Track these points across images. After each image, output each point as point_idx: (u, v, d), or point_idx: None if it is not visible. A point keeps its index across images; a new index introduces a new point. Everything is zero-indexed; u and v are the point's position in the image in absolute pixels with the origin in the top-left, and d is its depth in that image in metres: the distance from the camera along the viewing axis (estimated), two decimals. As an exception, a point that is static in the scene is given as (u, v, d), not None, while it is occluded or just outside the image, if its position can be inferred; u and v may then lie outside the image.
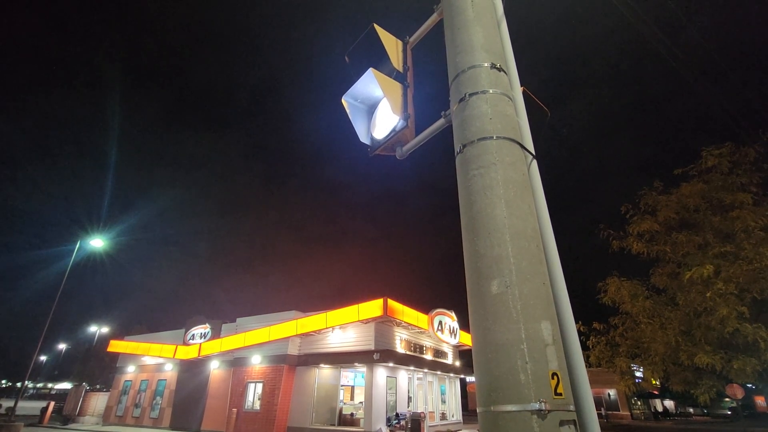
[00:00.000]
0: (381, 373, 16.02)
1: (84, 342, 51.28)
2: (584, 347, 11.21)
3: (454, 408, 22.15)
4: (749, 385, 18.09)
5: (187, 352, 19.99)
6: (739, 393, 15.09)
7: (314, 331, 16.58)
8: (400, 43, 3.18)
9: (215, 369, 19.46)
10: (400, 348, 17.07)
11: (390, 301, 15.18)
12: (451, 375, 21.70)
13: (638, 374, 13.32)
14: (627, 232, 11.39)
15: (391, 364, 15.97)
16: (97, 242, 21.25)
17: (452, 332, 18.25)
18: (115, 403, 23.60)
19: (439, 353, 20.05)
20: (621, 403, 35.62)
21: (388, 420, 15.74)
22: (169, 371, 21.52)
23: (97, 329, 46.54)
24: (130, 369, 23.77)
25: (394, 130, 2.85)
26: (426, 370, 18.90)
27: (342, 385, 17.11)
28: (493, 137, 2.00)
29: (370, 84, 2.95)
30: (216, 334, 20.22)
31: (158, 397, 21.47)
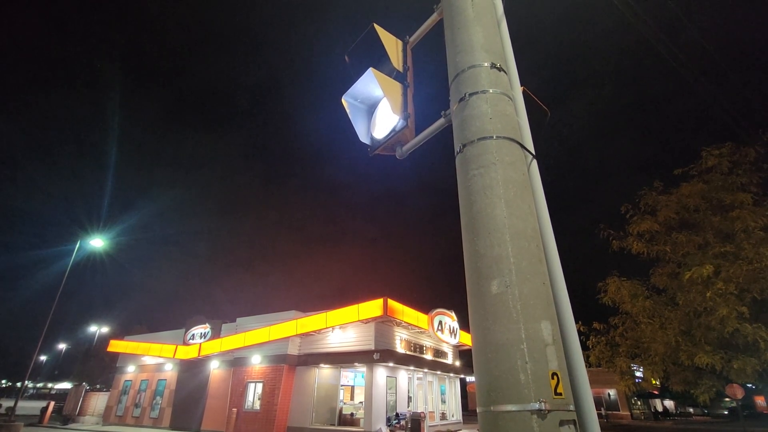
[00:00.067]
0: (381, 373, 16.02)
1: (84, 342, 51.34)
2: (584, 347, 11.21)
3: (454, 408, 22.15)
4: (749, 385, 18.08)
5: (187, 352, 19.99)
6: (739, 393, 15.08)
7: (314, 331, 16.58)
8: (400, 42, 3.18)
9: (215, 369, 19.46)
10: (400, 348, 17.07)
11: (390, 301, 15.18)
12: (451, 375, 21.70)
13: (638, 374, 13.32)
14: (627, 232, 11.38)
15: (391, 364, 15.97)
16: (97, 242, 21.25)
17: (452, 332, 18.25)
18: (115, 403, 23.60)
19: (439, 353, 20.05)
20: (621, 403, 35.62)
21: (388, 420, 15.74)
22: (169, 371, 21.52)
23: (97, 329, 46.56)
24: (130, 369, 23.77)
25: (394, 129, 2.85)
26: (426, 370, 18.90)
27: (342, 385, 17.11)
28: (493, 137, 2.00)
29: (370, 84, 2.95)
30: (216, 334, 20.22)
31: (158, 397, 21.48)
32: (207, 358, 19.67)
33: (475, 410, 1.66)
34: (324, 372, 17.31)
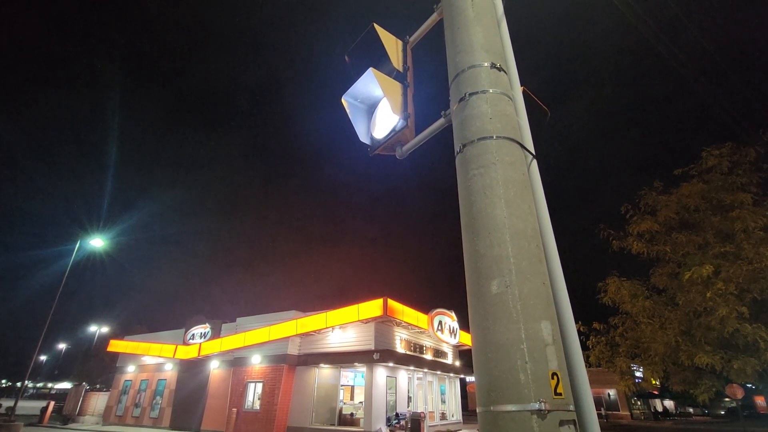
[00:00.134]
0: (381, 372, 16.01)
1: (84, 342, 51.30)
2: (584, 347, 11.20)
3: (453, 408, 22.15)
4: (749, 385, 18.09)
5: (187, 352, 20.00)
6: (739, 393, 15.09)
7: (314, 331, 16.58)
8: (400, 42, 3.18)
9: (215, 369, 19.46)
10: (400, 348, 17.07)
11: (390, 301, 15.18)
12: (451, 375, 21.70)
13: (638, 374, 13.32)
14: (627, 232, 11.37)
15: (391, 364, 15.97)
16: (97, 242, 21.25)
17: (452, 332, 18.25)
18: (115, 403, 23.60)
19: (439, 353, 20.05)
20: (621, 403, 35.63)
21: (388, 420, 15.74)
22: (169, 371, 21.52)
23: (97, 329, 46.55)
24: (130, 369, 23.77)
25: (394, 129, 2.85)
26: (426, 370, 18.90)
27: (342, 385, 17.11)
28: (493, 137, 2.00)
29: (370, 84, 2.95)
30: (216, 333, 20.22)
31: (158, 397, 21.48)
32: (207, 358, 19.67)
33: (475, 410, 1.66)
34: (324, 372, 17.31)
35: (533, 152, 2.27)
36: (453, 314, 18.65)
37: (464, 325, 18.89)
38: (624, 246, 11.43)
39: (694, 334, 9.69)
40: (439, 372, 19.94)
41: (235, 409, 17.43)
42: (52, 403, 25.60)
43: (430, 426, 17.31)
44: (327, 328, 16.21)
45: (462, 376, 22.95)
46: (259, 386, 17.53)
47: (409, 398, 18.09)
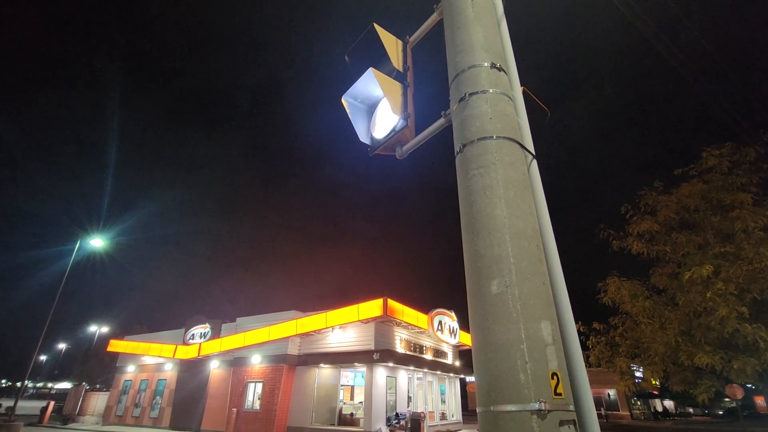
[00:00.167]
0: (381, 372, 16.02)
1: (84, 342, 51.29)
2: (584, 347, 11.20)
3: (453, 408, 22.15)
4: (749, 385, 18.09)
5: (187, 352, 19.99)
6: (739, 393, 15.09)
7: (314, 331, 16.58)
8: (400, 42, 3.18)
9: (215, 369, 19.46)
10: (400, 348, 17.07)
11: (390, 301, 15.18)
12: (451, 375, 21.70)
13: (638, 374, 13.32)
14: (627, 232, 11.37)
15: (390, 364, 15.97)
16: (97, 242, 21.25)
17: (452, 332, 18.25)
18: (115, 403, 23.60)
19: (438, 353, 20.05)
20: (621, 403, 35.63)
21: (388, 420, 15.74)
22: (169, 371, 21.52)
23: (97, 329, 46.55)
24: (130, 369, 23.77)
25: (394, 129, 2.85)
26: (426, 370, 18.90)
27: (342, 385, 17.11)
28: (493, 137, 2.00)
29: (370, 84, 2.95)
30: (216, 333, 20.22)
31: (158, 397, 21.48)
32: (207, 358, 19.67)
33: (475, 410, 1.66)
34: (324, 372, 17.31)
35: (533, 152, 2.27)
36: (453, 314, 18.65)
37: (464, 325, 18.90)
38: (624, 246, 11.43)
39: (694, 334, 9.70)
40: (439, 372, 19.94)
41: (235, 409, 17.44)
42: (52, 403, 25.60)
43: (430, 426, 17.31)
44: (327, 328, 16.22)
45: (462, 376, 22.95)
46: (259, 386, 17.53)
47: (409, 398, 18.09)
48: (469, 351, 20.89)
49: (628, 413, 35.36)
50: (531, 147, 2.32)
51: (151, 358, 22.37)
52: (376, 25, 3.03)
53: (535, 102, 2.93)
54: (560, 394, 1.48)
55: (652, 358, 10.54)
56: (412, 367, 17.59)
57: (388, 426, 15.55)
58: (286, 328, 16.89)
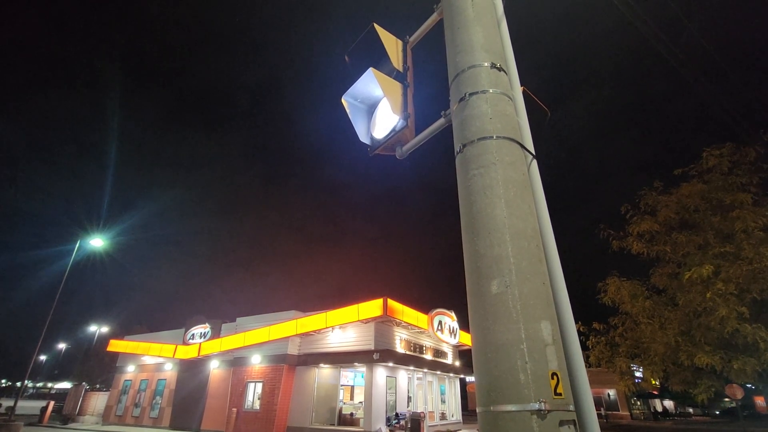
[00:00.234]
0: (381, 372, 16.02)
1: (84, 342, 51.27)
2: (584, 347, 11.20)
3: (453, 408, 22.15)
4: (749, 385, 18.10)
5: (187, 352, 19.99)
6: (739, 393, 15.09)
7: (314, 331, 16.58)
8: (400, 42, 3.18)
9: (215, 369, 19.46)
10: (400, 348, 17.07)
11: (390, 301, 15.18)
12: (451, 375, 21.70)
13: (638, 374, 13.33)
14: (627, 232, 11.38)
15: (390, 364, 15.97)
16: (97, 242, 21.24)
17: (452, 332, 18.25)
18: (115, 403, 23.60)
19: (438, 353, 20.05)
20: (621, 403, 35.64)
21: (388, 420, 15.74)
22: (169, 371, 21.52)
23: (97, 329, 46.54)
24: (130, 368, 23.77)
25: (394, 129, 2.85)
26: (426, 370, 18.90)
27: (342, 385, 17.11)
28: (493, 137, 2.00)
29: (370, 84, 2.95)
30: (216, 333, 20.22)
31: (158, 397, 21.48)
32: (207, 358, 19.67)
33: (475, 410, 1.66)
34: (324, 372, 17.31)
35: (533, 152, 2.27)
36: (453, 314, 18.65)
37: (464, 325, 18.89)
38: (624, 246, 11.44)
39: (694, 334, 9.70)
40: (438, 372, 19.94)
41: (235, 409, 17.44)
42: (52, 402, 25.60)
43: (429, 426, 17.31)
44: (327, 328, 16.22)
45: (462, 376, 22.95)
46: (259, 386, 17.53)
47: (409, 398, 18.09)
48: (469, 351, 20.89)
49: (628, 413, 35.37)
50: (531, 147, 2.32)
51: (151, 358, 22.37)
52: (376, 25, 3.03)
53: (535, 102, 2.93)
54: (560, 394, 1.48)
55: (652, 358, 10.54)
56: (412, 367, 17.60)
57: (388, 426, 15.55)
58: (286, 328, 16.89)
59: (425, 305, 18.04)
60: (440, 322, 17.62)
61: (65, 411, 24.70)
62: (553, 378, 1.49)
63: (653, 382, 12.95)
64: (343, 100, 3.07)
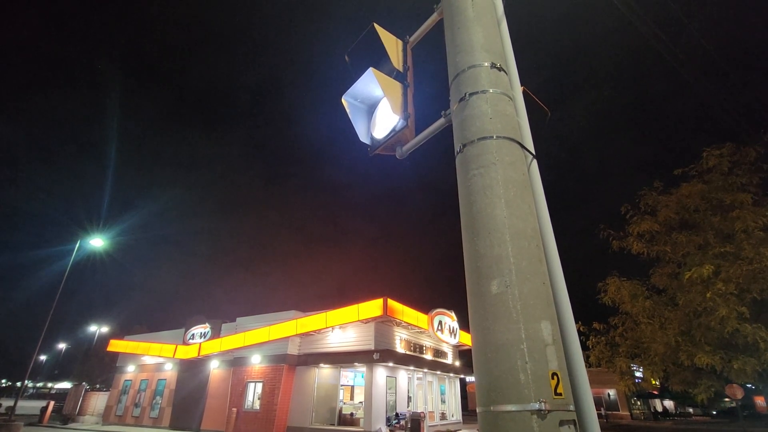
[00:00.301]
0: (381, 372, 16.02)
1: (84, 341, 51.28)
2: (584, 347, 11.20)
3: (453, 408, 22.15)
4: (749, 385, 18.09)
5: (187, 352, 20.00)
6: (739, 393, 15.07)
7: (314, 331, 16.58)
8: (400, 42, 3.18)
9: (215, 369, 19.46)
10: (400, 348, 17.07)
11: (390, 301, 15.18)
12: (451, 375, 21.70)
13: (638, 374, 13.33)
14: (627, 232, 11.39)
15: (390, 364, 15.97)
16: (97, 242, 21.24)
17: (452, 332, 18.25)
18: (115, 403, 23.60)
19: (438, 353, 20.05)
20: (621, 403, 35.64)
21: (388, 420, 15.74)
22: (169, 371, 21.52)
23: (97, 329, 46.56)
24: (130, 368, 23.77)
25: (394, 129, 2.85)
26: (426, 370, 18.90)
27: (342, 385, 17.10)
28: (493, 137, 2.00)
29: (370, 83, 2.95)
30: (216, 333, 20.23)
31: (158, 397, 21.48)
32: (207, 358, 19.67)
33: (475, 410, 1.66)
34: (324, 372, 17.31)
35: (533, 152, 2.27)
36: (453, 314, 18.65)
37: (464, 325, 18.89)
38: (624, 246, 11.44)
39: (694, 334, 9.70)
40: (438, 372, 19.94)
41: (235, 409, 17.44)
42: (52, 402, 25.60)
43: (430, 426, 17.31)
44: (327, 328, 16.21)
45: (462, 376, 22.95)
46: (259, 386, 17.53)
47: (409, 398, 18.09)
48: (469, 351, 20.89)
49: (628, 413, 35.37)
50: (531, 147, 2.32)
51: (151, 358, 22.37)
52: (376, 25, 3.03)
53: (535, 102, 2.93)
54: (560, 394, 1.48)
55: (652, 358, 10.54)
56: (412, 367, 17.60)
57: (388, 426, 15.55)
58: (286, 328, 16.89)
59: (425, 305, 18.06)
60: (440, 322, 17.62)
61: (65, 411, 24.70)
62: (553, 378, 1.49)
63: (653, 382, 12.96)
64: (343, 100, 3.07)
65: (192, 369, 20.33)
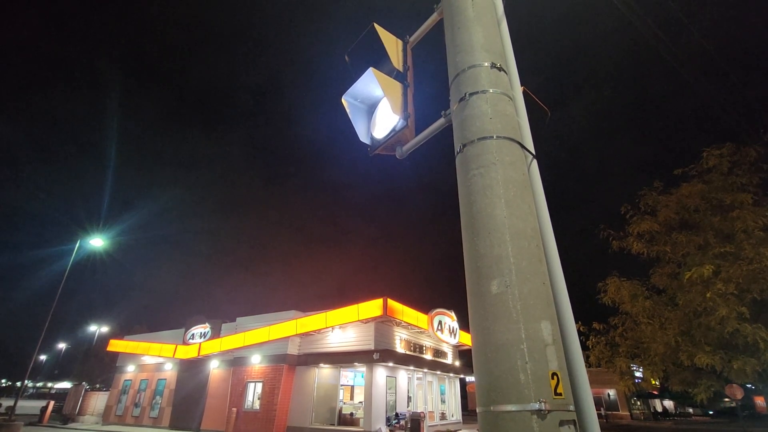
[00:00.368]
0: (381, 372, 16.02)
1: (84, 341, 51.30)
2: (584, 347, 11.20)
3: (453, 408, 22.16)
4: (749, 385, 18.10)
5: (187, 352, 20.00)
6: (739, 393, 15.07)
7: (314, 331, 16.58)
8: (400, 42, 3.18)
9: (215, 368, 19.46)
10: (400, 348, 17.07)
11: (390, 301, 15.18)
12: (451, 375, 21.70)
13: (638, 374, 13.33)
14: (627, 232, 11.39)
15: (390, 364, 15.97)
16: (97, 242, 21.24)
17: (452, 332, 18.25)
18: (115, 403, 23.60)
19: (438, 353, 20.05)
20: (621, 403, 35.64)
21: (388, 420, 15.74)
22: (169, 371, 21.53)
23: (97, 329, 46.57)
24: (130, 368, 23.77)
25: (394, 129, 2.85)
26: (426, 370, 18.90)
27: (342, 385, 17.11)
28: (493, 137, 2.00)
29: (370, 83, 2.95)
30: (216, 333, 20.23)
31: (158, 397, 21.48)
32: (207, 358, 19.67)
33: (475, 410, 1.66)
34: (324, 372, 17.31)
35: (533, 152, 2.27)
36: (453, 314, 18.65)
37: (464, 325, 18.89)
38: (624, 246, 11.44)
39: (694, 334, 9.70)
40: (438, 372, 19.94)
41: (234, 409, 17.44)
42: (52, 402, 25.60)
43: (429, 426, 17.31)
44: (327, 328, 16.22)
45: (462, 376, 22.95)
46: (259, 386, 17.54)
47: (409, 398, 18.09)
48: (469, 351, 20.89)
49: (628, 413, 35.38)
50: (531, 147, 2.32)
51: (151, 358, 22.37)
52: (376, 25, 3.03)
53: (535, 102, 2.93)
54: (560, 394, 1.48)
55: (652, 358, 10.54)
56: (412, 367, 17.60)
57: (388, 426, 15.55)
58: (286, 328, 16.89)
59: (425, 305, 18.06)
60: (440, 322, 17.62)
61: (65, 411, 24.71)
62: (553, 378, 1.49)
63: (653, 382, 12.95)
64: (343, 100, 3.07)
65: (192, 369, 20.33)
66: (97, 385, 40.60)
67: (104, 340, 39.42)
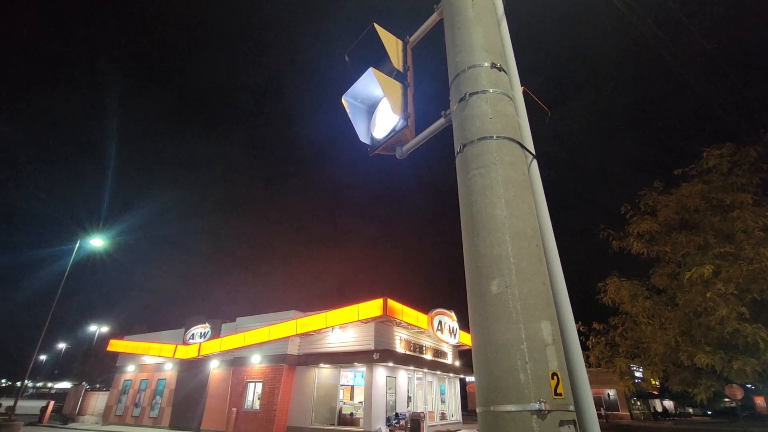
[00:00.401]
0: (381, 372, 16.02)
1: (84, 341, 51.31)
2: (584, 347, 11.20)
3: (453, 408, 22.16)
4: (749, 385, 18.10)
5: (187, 352, 20.00)
6: (739, 393, 15.07)
7: (314, 331, 16.58)
8: (400, 42, 3.18)
9: (215, 368, 19.47)
10: (400, 348, 17.07)
11: (390, 301, 15.18)
12: (451, 375, 21.70)
13: (638, 374, 13.32)
14: (627, 233, 11.38)
15: (390, 364, 15.97)
16: (97, 242, 21.25)
17: (452, 332, 18.25)
18: (115, 403, 23.61)
19: (438, 353, 20.05)
20: (621, 403, 35.64)
21: (388, 420, 15.74)
22: (169, 371, 21.53)
23: (96, 328, 46.58)
24: (130, 368, 23.77)
25: (394, 129, 2.85)
26: (426, 370, 18.90)
27: (342, 385, 17.11)
28: (493, 137, 2.00)
29: (370, 83, 2.95)
30: (216, 333, 20.23)
31: (158, 397, 21.48)
32: (207, 358, 19.67)
33: (475, 410, 1.66)
34: (324, 372, 17.31)
35: (533, 152, 2.27)
36: (453, 314, 18.65)
37: (464, 325, 18.89)
38: (624, 246, 11.44)
39: (694, 334, 9.69)
40: (438, 372, 19.94)
41: (234, 409, 17.44)
42: (52, 402, 25.60)
43: (429, 426, 17.31)
44: (327, 328, 16.22)
45: (462, 376, 22.95)
46: (259, 386, 17.54)
47: (409, 398, 18.09)
48: (469, 351, 20.89)
49: (627, 413, 35.38)
50: (531, 147, 2.32)
51: (151, 358, 22.38)
52: (376, 25, 3.03)
53: (535, 102, 2.93)
54: (560, 394, 1.48)
55: (652, 358, 10.54)
56: (412, 367, 17.60)
57: (388, 426, 15.55)
58: (286, 328, 16.89)
59: (425, 305, 18.06)
60: (440, 322, 17.62)
61: (65, 411, 24.72)
62: (553, 378, 1.49)
63: (653, 382, 12.95)
64: (343, 100, 3.07)
65: (192, 369, 20.33)
66: (97, 385, 40.59)
67: (104, 340, 39.43)
